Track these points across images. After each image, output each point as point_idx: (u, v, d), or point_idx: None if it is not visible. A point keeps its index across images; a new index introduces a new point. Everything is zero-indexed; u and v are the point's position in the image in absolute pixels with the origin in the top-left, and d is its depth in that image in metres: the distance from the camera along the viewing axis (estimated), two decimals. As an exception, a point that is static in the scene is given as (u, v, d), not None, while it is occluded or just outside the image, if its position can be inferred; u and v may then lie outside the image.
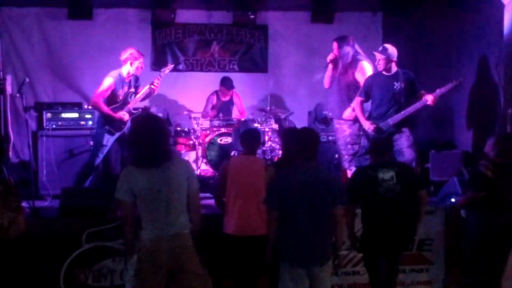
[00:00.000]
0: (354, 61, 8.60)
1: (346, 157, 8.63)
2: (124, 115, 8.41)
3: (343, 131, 8.69)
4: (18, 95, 8.25)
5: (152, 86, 8.60)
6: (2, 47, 10.22)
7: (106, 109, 8.31)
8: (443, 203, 7.72)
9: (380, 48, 8.11)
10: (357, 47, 8.75)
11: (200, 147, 9.97)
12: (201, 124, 10.17)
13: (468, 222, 6.55)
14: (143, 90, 8.59)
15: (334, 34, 11.28)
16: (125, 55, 8.53)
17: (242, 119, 10.23)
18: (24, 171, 8.78)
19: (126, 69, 8.52)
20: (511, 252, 6.10)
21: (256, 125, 9.91)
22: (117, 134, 8.39)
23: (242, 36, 11.81)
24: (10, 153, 8.55)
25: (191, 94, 11.45)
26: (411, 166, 7.35)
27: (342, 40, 8.76)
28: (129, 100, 8.51)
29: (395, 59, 8.05)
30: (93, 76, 10.75)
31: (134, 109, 8.66)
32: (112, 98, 8.41)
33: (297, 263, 5.33)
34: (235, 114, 10.88)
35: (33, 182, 8.34)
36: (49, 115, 8.97)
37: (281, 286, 5.44)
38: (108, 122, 8.34)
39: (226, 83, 10.68)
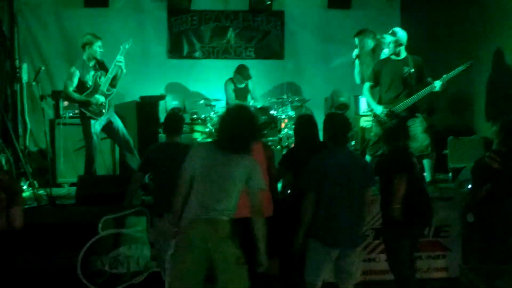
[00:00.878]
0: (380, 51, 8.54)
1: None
2: (98, 97, 8.28)
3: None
4: (34, 83, 8.25)
5: (117, 63, 8.38)
6: (18, 36, 10.26)
7: (78, 96, 8.24)
8: (460, 189, 7.66)
9: (390, 32, 8.03)
10: (378, 37, 8.67)
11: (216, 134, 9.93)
12: (217, 112, 10.15)
13: (482, 210, 6.52)
14: (110, 70, 8.40)
15: (351, 19, 11.35)
16: (82, 41, 8.47)
17: (258, 107, 10.18)
18: (42, 158, 8.84)
19: (86, 55, 8.42)
20: None
21: (272, 112, 9.88)
22: (102, 120, 8.33)
23: (259, 22, 11.75)
24: (27, 141, 8.59)
25: (207, 81, 11.42)
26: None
27: (362, 34, 8.70)
28: (100, 82, 8.37)
29: (404, 43, 7.97)
30: (110, 63, 10.77)
31: (108, 90, 8.44)
32: (82, 86, 8.31)
33: (329, 242, 5.49)
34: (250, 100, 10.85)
35: (51, 170, 8.36)
36: (65, 103, 8.97)
37: (309, 264, 5.59)
38: (87, 110, 8.25)
39: (244, 73, 10.62)
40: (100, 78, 8.37)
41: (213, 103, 10.27)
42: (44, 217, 6.91)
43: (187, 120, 10.06)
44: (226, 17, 11.69)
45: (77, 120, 8.84)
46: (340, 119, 5.92)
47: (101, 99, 8.28)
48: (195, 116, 10.25)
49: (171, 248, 5.00)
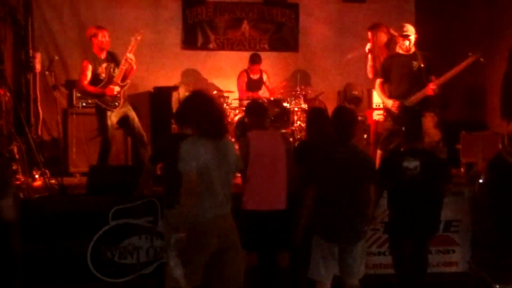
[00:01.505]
0: (394, 46, 8.50)
1: None
2: (113, 88, 8.29)
3: None
4: (47, 73, 8.29)
5: (128, 55, 8.36)
6: (33, 25, 10.30)
7: (93, 88, 8.25)
8: (471, 184, 7.62)
9: (410, 28, 8.00)
10: (392, 31, 8.63)
11: (229, 126, 9.96)
12: (230, 103, 10.17)
13: (494, 205, 6.49)
14: (123, 61, 8.38)
15: (366, 13, 11.33)
16: (87, 34, 8.47)
17: (272, 98, 10.19)
18: (55, 148, 8.89)
19: (95, 46, 8.41)
20: None
21: (285, 104, 9.88)
22: (119, 112, 8.37)
23: (273, 15, 11.74)
24: (39, 130, 8.63)
25: (221, 73, 11.44)
26: (439, 156, 7.24)
27: (375, 28, 8.67)
28: (113, 74, 8.39)
29: (413, 38, 7.96)
30: (124, 55, 10.81)
31: (122, 81, 8.43)
32: (96, 79, 8.30)
33: (333, 238, 5.48)
34: (265, 93, 10.85)
35: (63, 159, 8.40)
36: (78, 93, 9.01)
37: (313, 260, 5.57)
38: (102, 101, 8.26)
39: (253, 58, 10.67)
40: (113, 70, 8.38)
41: (226, 94, 10.27)
42: (55, 207, 6.94)
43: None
44: (241, 9, 11.68)
45: (91, 110, 8.89)
46: (346, 114, 5.82)
47: (116, 89, 8.28)
48: (208, 107, 10.24)
49: (179, 241, 5.02)
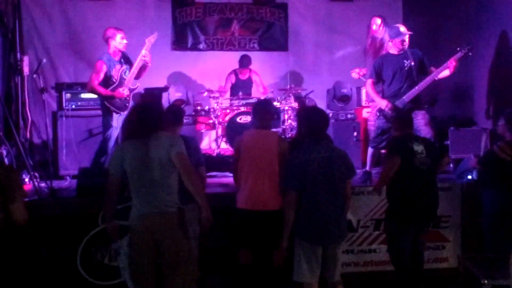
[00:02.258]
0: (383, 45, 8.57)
1: None
2: (123, 90, 8.34)
3: None
4: (35, 75, 8.28)
5: (142, 58, 8.41)
6: (22, 27, 10.30)
7: (103, 90, 8.26)
8: (460, 180, 7.68)
9: (405, 30, 8.03)
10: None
11: (220, 126, 9.98)
12: (221, 103, 10.18)
13: (485, 200, 6.54)
14: (136, 64, 8.43)
15: (354, 12, 11.41)
16: (104, 35, 8.48)
17: (262, 98, 10.21)
18: (44, 151, 8.88)
19: (111, 48, 8.44)
20: None
21: (276, 103, 9.89)
22: (124, 114, 8.36)
23: (263, 14, 11.77)
24: (28, 133, 8.62)
25: (211, 73, 11.45)
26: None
27: (385, 21, 8.72)
28: (125, 77, 8.42)
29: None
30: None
31: (133, 84, 8.55)
32: (108, 80, 8.33)
33: (316, 240, 5.43)
34: (256, 93, 10.86)
35: (53, 162, 8.40)
36: (68, 95, 9.00)
37: (296, 262, 5.54)
38: (111, 104, 8.28)
39: (241, 61, 10.74)
40: (125, 72, 8.43)
41: (216, 94, 10.29)
42: (44, 210, 6.94)
43: (191, 112, 10.10)
44: (231, 9, 11.70)
45: (80, 112, 8.91)
46: (316, 114, 5.78)
47: (125, 92, 8.34)
48: (198, 107, 10.28)
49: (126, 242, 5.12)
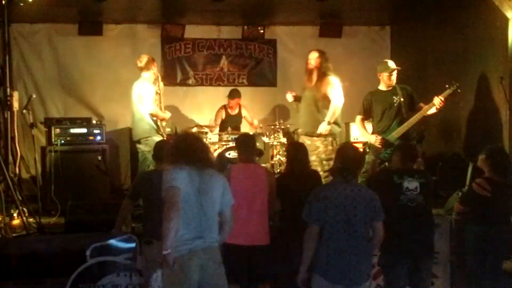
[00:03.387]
0: (324, 76, 8.57)
1: (322, 173, 8.11)
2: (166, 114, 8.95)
3: (316, 148, 8.60)
4: (25, 111, 8.30)
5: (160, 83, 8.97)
6: (11, 63, 10.33)
7: (161, 113, 8.85)
8: (449, 216, 7.69)
9: (389, 63, 8.10)
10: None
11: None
12: (210, 138, 10.20)
13: (468, 237, 6.63)
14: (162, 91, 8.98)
15: (342, 48, 11.49)
16: (144, 61, 8.92)
17: (251, 133, 10.23)
18: (33, 186, 8.86)
19: (151, 74, 8.89)
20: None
21: (264, 138, 9.92)
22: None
23: (251, 50, 11.87)
24: (17, 168, 8.60)
25: (200, 108, 11.50)
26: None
27: (323, 53, 8.72)
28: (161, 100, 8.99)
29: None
30: (103, 91, 10.89)
31: None
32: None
33: (334, 278, 5.22)
34: (245, 128, 10.89)
35: (41, 198, 8.37)
36: (57, 130, 8.99)
37: None
38: (157, 126, 8.76)
39: (230, 93, 10.84)
40: (161, 98, 9.02)
41: (206, 129, 10.31)
42: (32, 245, 6.90)
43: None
44: (220, 45, 11.81)
45: (69, 147, 8.90)
46: (350, 151, 5.60)
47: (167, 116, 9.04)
48: (187, 143, 10.27)
49: (161, 277, 5.01)
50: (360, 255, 5.26)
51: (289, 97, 9.07)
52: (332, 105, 8.47)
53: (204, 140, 5.22)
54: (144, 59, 8.90)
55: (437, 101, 7.69)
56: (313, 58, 8.72)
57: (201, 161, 4.97)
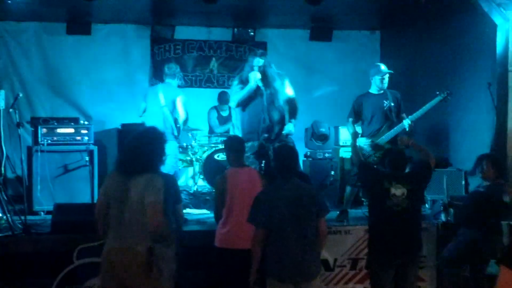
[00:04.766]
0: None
1: None
2: None
3: None
4: (11, 110, 8.22)
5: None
6: (-1, 62, 10.30)
7: None
8: (436, 220, 7.71)
9: (382, 67, 8.09)
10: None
11: (197, 163, 9.96)
12: (199, 140, 10.17)
13: (460, 237, 6.69)
14: None
15: (332, 52, 11.50)
16: (174, 68, 9.11)
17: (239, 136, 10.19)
18: (19, 186, 8.78)
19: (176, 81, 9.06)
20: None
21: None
22: None
23: (242, 52, 11.85)
24: (2, 168, 8.51)
25: (190, 110, 11.41)
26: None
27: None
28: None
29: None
30: (91, 91, 10.84)
31: None
32: None
33: (286, 278, 5.34)
34: (234, 131, 10.86)
35: (27, 198, 8.29)
36: (44, 130, 8.91)
37: None
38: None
39: (220, 98, 10.74)
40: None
41: (194, 132, 10.27)
42: (18, 246, 6.84)
43: (168, 148, 10.04)
44: (209, 46, 11.79)
45: (56, 147, 8.83)
46: (285, 151, 5.82)
47: None
48: (176, 144, 10.26)
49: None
50: (308, 252, 5.39)
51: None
52: None
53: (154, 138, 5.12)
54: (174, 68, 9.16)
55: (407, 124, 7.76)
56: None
57: (134, 163, 4.92)
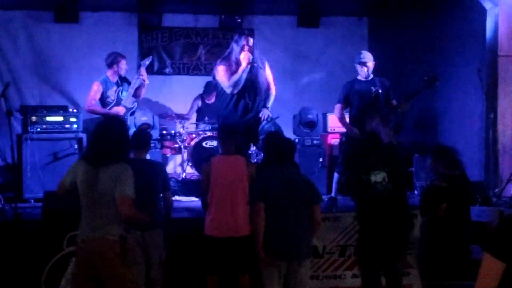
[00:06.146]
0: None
1: None
2: (120, 109, 8.74)
3: None
4: (1, 98, 8.22)
5: (140, 76, 8.86)
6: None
7: (100, 109, 8.72)
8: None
9: (367, 55, 8.12)
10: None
11: (185, 150, 9.98)
12: (187, 128, 10.19)
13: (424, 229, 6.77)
14: (133, 82, 8.86)
15: (320, 38, 11.50)
16: (109, 59, 8.89)
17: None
18: (8, 174, 8.78)
19: (111, 72, 8.86)
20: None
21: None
22: None
23: (229, 39, 11.69)
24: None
25: (178, 97, 11.46)
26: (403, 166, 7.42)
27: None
28: (121, 97, 8.84)
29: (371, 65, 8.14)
30: (80, 79, 10.79)
31: (130, 104, 8.97)
32: (104, 100, 8.76)
33: (278, 254, 5.53)
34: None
35: (17, 186, 8.31)
36: (33, 118, 8.92)
37: (264, 279, 5.63)
38: None
39: (206, 88, 10.77)
40: (121, 93, 8.86)
41: (182, 119, 10.29)
42: (8, 233, 6.85)
43: (157, 136, 10.07)
44: (197, 34, 11.75)
45: (45, 135, 8.84)
46: (283, 140, 6.05)
47: (121, 111, 8.77)
48: (164, 132, 10.28)
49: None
50: (302, 232, 5.60)
51: None
52: None
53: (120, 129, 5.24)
54: (109, 58, 8.99)
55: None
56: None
57: (100, 154, 4.95)
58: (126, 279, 4.89)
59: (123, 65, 8.90)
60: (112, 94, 8.80)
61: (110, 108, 8.73)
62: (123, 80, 8.96)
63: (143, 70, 8.89)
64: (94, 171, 4.87)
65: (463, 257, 6.49)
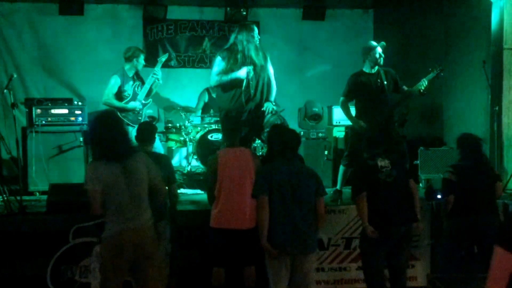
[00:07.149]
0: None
1: None
2: (136, 104, 8.90)
3: None
4: (5, 91, 8.23)
5: (153, 75, 9.01)
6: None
7: (117, 103, 8.78)
8: (430, 199, 7.73)
9: (371, 42, 8.10)
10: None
11: (191, 143, 9.97)
12: (192, 121, 10.17)
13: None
14: (148, 80, 9.00)
15: (325, 31, 11.49)
16: (128, 53, 8.97)
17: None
18: (14, 166, 8.80)
19: (129, 66, 8.95)
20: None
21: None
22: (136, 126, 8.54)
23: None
24: (-2, 149, 8.54)
25: (183, 90, 11.47)
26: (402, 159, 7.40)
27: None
28: (137, 92, 8.96)
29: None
30: (84, 71, 10.81)
31: (145, 99, 9.09)
32: (121, 94, 8.85)
33: (283, 247, 5.56)
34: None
35: (22, 178, 8.32)
36: (38, 111, 8.92)
37: (270, 272, 5.68)
38: (124, 117, 8.68)
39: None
40: (138, 87, 8.96)
41: (187, 112, 10.28)
42: (14, 225, 6.87)
43: (162, 129, 10.07)
44: (202, 26, 11.75)
45: (50, 128, 8.85)
46: (288, 133, 6.09)
47: (138, 106, 8.89)
48: (169, 125, 10.27)
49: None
50: (307, 226, 5.64)
51: None
52: None
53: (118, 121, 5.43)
54: (128, 52, 9.06)
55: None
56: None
57: (118, 151, 5.07)
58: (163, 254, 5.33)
59: (142, 60, 9.01)
60: (129, 88, 8.91)
61: (126, 103, 8.81)
62: (138, 76, 9.09)
63: (158, 69, 9.05)
64: (120, 167, 4.98)
65: (483, 248, 6.48)
